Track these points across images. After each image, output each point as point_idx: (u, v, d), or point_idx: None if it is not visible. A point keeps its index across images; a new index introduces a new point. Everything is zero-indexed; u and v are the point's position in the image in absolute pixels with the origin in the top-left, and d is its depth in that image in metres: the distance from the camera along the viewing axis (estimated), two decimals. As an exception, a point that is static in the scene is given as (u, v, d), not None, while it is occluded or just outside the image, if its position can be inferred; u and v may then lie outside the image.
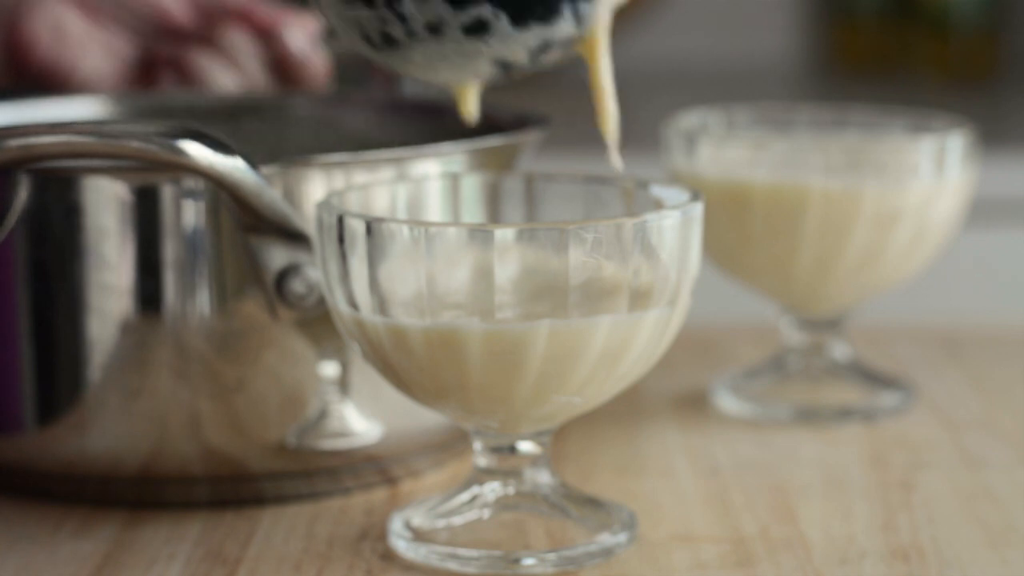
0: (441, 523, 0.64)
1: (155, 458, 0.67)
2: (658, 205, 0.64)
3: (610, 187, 0.66)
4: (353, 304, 0.61)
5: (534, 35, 0.61)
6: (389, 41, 0.60)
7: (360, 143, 0.81)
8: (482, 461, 0.64)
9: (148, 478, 0.67)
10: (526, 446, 0.64)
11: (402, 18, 0.60)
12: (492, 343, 0.59)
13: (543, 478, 0.64)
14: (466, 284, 0.60)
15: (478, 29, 0.60)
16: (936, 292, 1.35)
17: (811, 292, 0.80)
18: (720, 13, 2.10)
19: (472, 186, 0.67)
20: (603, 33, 0.62)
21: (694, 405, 0.81)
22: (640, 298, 0.60)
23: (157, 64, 0.89)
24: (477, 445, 0.64)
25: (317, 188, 0.65)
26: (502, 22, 0.60)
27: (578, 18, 0.61)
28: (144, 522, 0.67)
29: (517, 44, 0.60)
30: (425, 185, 0.67)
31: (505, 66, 0.61)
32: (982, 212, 1.11)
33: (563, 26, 0.61)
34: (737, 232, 0.79)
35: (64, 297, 0.65)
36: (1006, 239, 1.57)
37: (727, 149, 0.80)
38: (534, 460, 0.64)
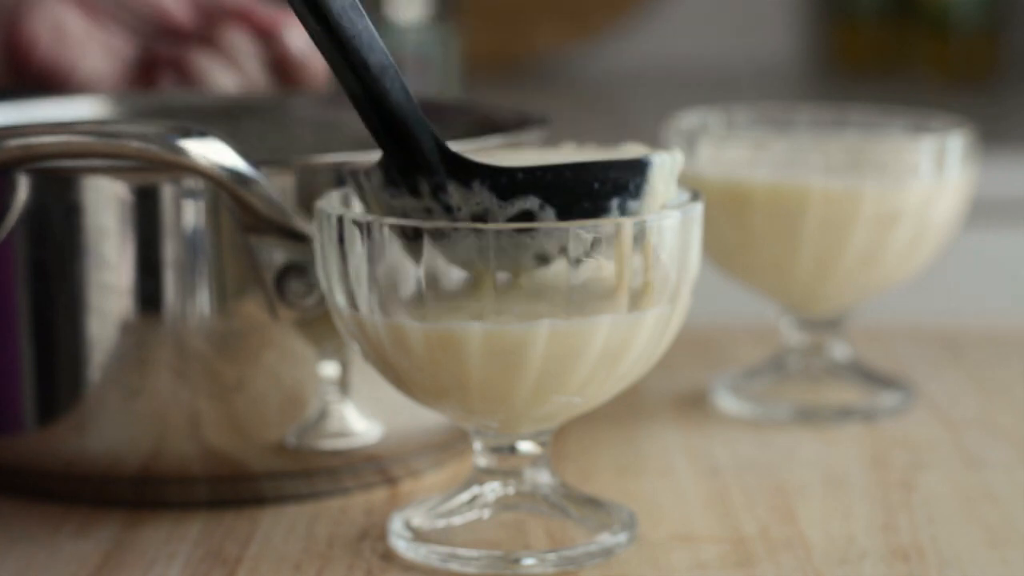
0: (441, 523, 0.64)
1: (155, 458, 0.67)
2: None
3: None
4: (353, 304, 0.61)
5: (582, 228, 0.60)
6: (433, 232, 0.59)
7: (360, 143, 0.81)
8: (482, 461, 0.64)
9: (148, 478, 0.67)
10: (526, 446, 0.64)
11: (448, 208, 0.59)
12: (492, 343, 0.59)
13: (543, 478, 0.64)
14: (466, 284, 0.60)
15: (524, 221, 0.59)
16: (936, 292, 1.35)
17: (811, 292, 0.80)
18: (720, 13, 2.10)
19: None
20: None
21: (694, 405, 0.81)
22: (640, 298, 0.60)
23: (157, 64, 0.89)
24: (477, 445, 0.64)
25: (317, 188, 0.65)
26: (548, 215, 0.59)
27: (624, 211, 0.60)
28: (144, 522, 0.67)
29: (562, 238, 0.59)
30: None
31: (547, 260, 0.60)
32: (982, 212, 1.11)
33: (611, 216, 0.60)
34: (737, 232, 0.79)
35: (64, 297, 0.65)
36: (1006, 239, 1.57)
37: (727, 149, 0.80)
38: (534, 460, 0.64)
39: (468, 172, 0.59)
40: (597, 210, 0.60)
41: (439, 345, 0.59)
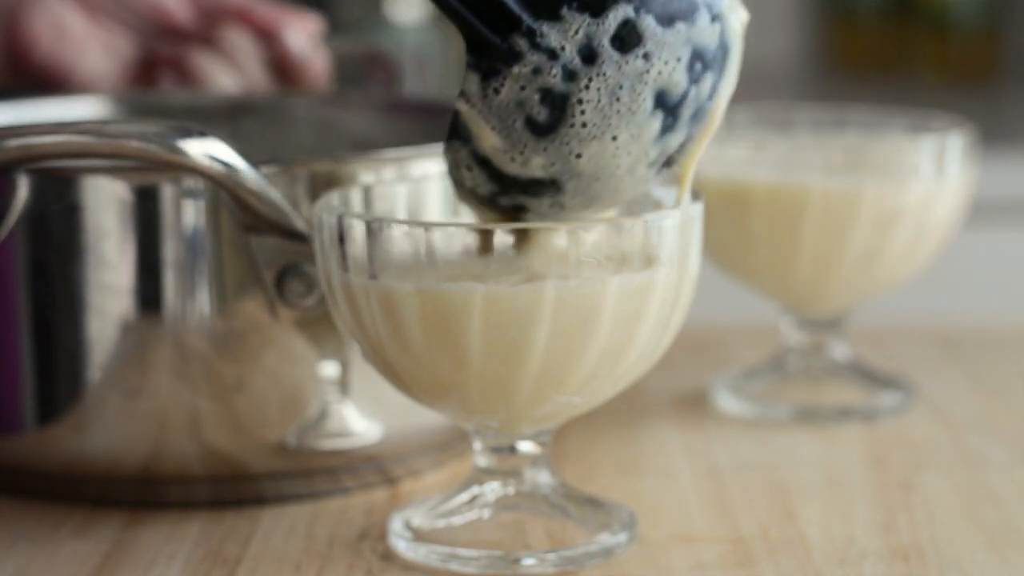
0: (441, 523, 0.64)
1: (155, 458, 0.67)
2: (658, 205, 0.64)
3: (610, 187, 0.66)
4: (353, 303, 0.61)
5: (682, 37, 0.59)
6: (551, 102, 0.58)
7: (360, 143, 0.81)
8: (482, 461, 0.64)
9: (148, 478, 0.67)
10: (526, 446, 0.64)
11: (552, 54, 0.58)
12: (492, 309, 0.58)
13: (543, 478, 0.64)
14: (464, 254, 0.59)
15: (629, 38, 0.58)
16: (936, 292, 1.35)
17: (811, 292, 0.80)
18: (720, 13, 2.10)
19: (472, 186, 0.67)
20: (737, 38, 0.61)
21: (694, 405, 0.81)
22: (649, 262, 0.60)
23: (157, 64, 0.89)
24: (477, 445, 0.64)
25: (317, 188, 0.65)
26: (648, 21, 0.59)
27: (712, 13, 0.60)
28: (144, 522, 0.67)
29: (670, 54, 0.59)
30: (425, 185, 0.67)
31: (668, 105, 0.59)
32: (982, 212, 1.11)
33: (702, 20, 0.59)
34: (737, 232, 0.79)
35: (64, 297, 0.65)
36: (1006, 239, 1.57)
37: (727, 149, 0.80)
38: (534, 460, 0.64)
39: (551, 3, 0.58)
40: (691, 7, 0.59)
41: (435, 321, 0.59)
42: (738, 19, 0.61)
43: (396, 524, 0.64)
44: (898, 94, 1.91)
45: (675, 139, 0.60)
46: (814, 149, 0.79)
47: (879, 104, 1.01)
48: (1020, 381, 0.85)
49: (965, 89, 1.96)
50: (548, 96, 0.59)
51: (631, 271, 0.59)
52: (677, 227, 0.61)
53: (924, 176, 0.78)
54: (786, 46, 2.11)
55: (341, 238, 0.60)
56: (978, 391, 0.84)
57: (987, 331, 0.94)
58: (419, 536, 0.63)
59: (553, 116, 0.59)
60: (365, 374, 0.66)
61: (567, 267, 0.59)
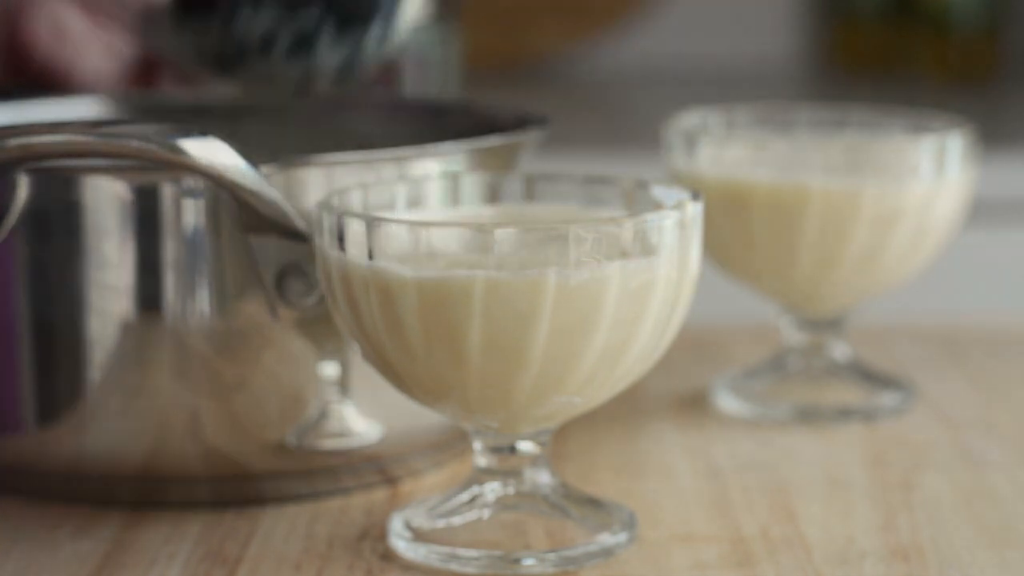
0: (441, 523, 0.64)
1: (155, 458, 0.67)
2: (658, 205, 0.64)
3: (610, 187, 0.66)
4: (353, 303, 0.61)
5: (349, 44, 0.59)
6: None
7: (360, 143, 0.81)
8: (482, 461, 0.64)
9: (148, 478, 0.67)
10: (526, 446, 0.64)
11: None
12: (491, 297, 0.58)
13: (543, 478, 0.64)
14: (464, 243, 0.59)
15: (303, 44, 0.58)
16: (936, 292, 1.35)
17: (811, 292, 0.80)
18: (720, 13, 2.10)
19: (472, 186, 0.68)
20: None
21: (694, 405, 0.81)
22: (648, 251, 0.60)
23: (157, 64, 0.89)
24: (477, 445, 0.64)
25: (317, 188, 0.65)
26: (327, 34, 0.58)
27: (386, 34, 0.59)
28: (144, 522, 0.67)
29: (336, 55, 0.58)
30: (425, 185, 0.67)
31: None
32: (982, 212, 1.11)
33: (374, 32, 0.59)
34: (737, 232, 0.79)
35: (64, 297, 0.65)
36: (1006, 239, 1.57)
37: (727, 149, 0.80)
38: (534, 460, 0.64)
39: None
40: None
41: (435, 307, 0.59)
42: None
43: (396, 524, 0.64)
44: (898, 94, 1.91)
45: None
46: (814, 149, 0.79)
47: (879, 104, 1.01)
48: (1021, 381, 0.85)
49: (965, 89, 1.96)
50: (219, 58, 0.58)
51: (631, 266, 0.59)
52: (677, 226, 0.61)
53: (924, 176, 0.78)
54: (786, 46, 2.11)
55: (341, 237, 0.60)
56: (978, 391, 0.84)
57: (987, 331, 0.94)
58: (419, 536, 0.63)
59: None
60: (365, 374, 0.66)
61: (568, 265, 0.59)
